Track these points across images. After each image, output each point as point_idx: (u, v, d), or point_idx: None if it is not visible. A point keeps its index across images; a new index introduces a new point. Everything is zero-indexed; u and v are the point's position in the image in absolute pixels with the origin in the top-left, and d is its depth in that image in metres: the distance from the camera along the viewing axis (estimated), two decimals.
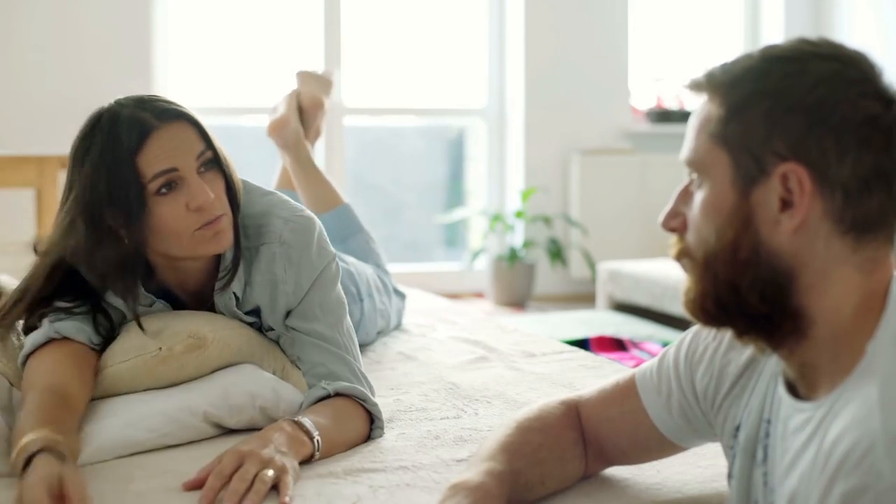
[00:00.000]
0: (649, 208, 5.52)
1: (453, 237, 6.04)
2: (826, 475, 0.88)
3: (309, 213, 1.63)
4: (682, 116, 5.77)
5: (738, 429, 1.11)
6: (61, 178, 3.84)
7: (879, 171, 0.92)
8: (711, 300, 0.98)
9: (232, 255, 1.56)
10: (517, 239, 5.57)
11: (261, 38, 5.37)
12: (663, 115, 5.76)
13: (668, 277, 4.21)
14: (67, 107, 4.83)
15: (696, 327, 1.22)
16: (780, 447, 1.00)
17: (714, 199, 0.96)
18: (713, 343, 1.18)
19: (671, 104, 5.79)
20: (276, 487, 1.25)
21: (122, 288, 1.49)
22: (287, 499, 1.23)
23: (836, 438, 0.88)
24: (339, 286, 1.64)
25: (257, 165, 4.51)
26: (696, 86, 1.00)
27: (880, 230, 0.94)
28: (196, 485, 1.27)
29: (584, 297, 5.47)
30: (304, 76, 2.66)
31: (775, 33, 5.90)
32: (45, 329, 1.49)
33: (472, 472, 1.16)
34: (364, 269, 2.23)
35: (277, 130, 2.50)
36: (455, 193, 6.00)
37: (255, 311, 1.62)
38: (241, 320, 1.61)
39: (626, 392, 1.27)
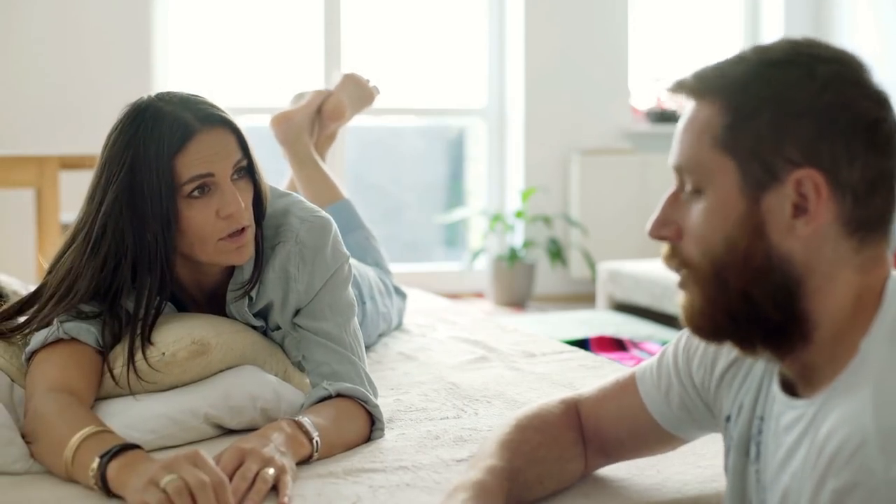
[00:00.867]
0: (649, 208, 5.51)
1: (453, 237, 6.04)
2: (818, 471, 0.88)
3: (325, 214, 1.64)
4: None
5: (728, 419, 1.11)
6: (61, 178, 3.84)
7: (884, 172, 0.93)
8: (722, 311, 0.96)
9: (251, 267, 1.56)
10: (517, 239, 5.57)
11: (261, 38, 5.37)
12: (663, 115, 5.76)
13: (668, 277, 4.20)
14: (67, 107, 4.83)
15: None
16: (772, 444, 1.00)
17: (721, 206, 0.95)
18: None
19: (671, 104, 5.79)
20: (274, 487, 1.26)
21: (136, 282, 1.48)
22: (286, 499, 1.23)
23: (827, 435, 0.88)
24: (350, 288, 1.64)
25: None
26: (683, 88, 0.99)
27: (881, 229, 0.94)
28: None
29: (584, 297, 5.47)
30: (350, 79, 2.59)
31: (775, 33, 5.90)
32: (54, 328, 1.49)
33: (473, 471, 1.16)
34: (366, 271, 2.23)
35: (279, 123, 2.48)
36: (455, 193, 6.00)
37: (264, 312, 1.62)
38: (248, 322, 1.61)
39: (625, 388, 1.28)
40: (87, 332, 1.49)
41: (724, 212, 0.94)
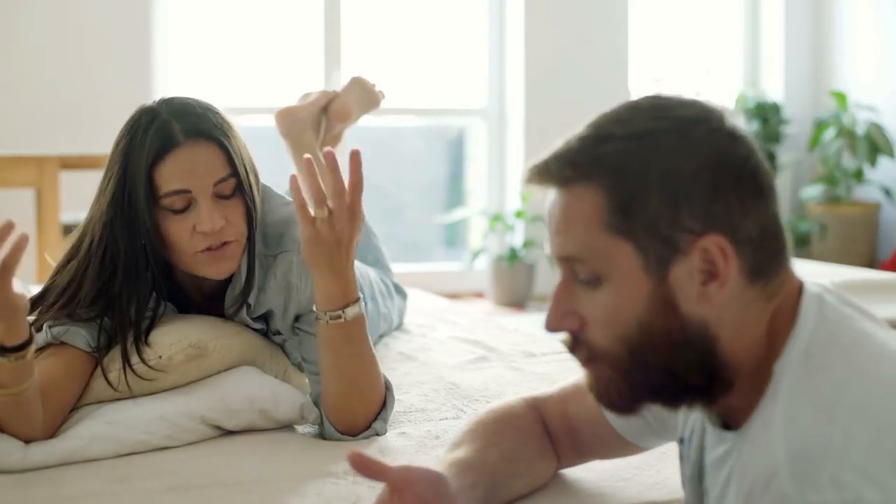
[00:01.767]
0: None
1: (453, 237, 6.04)
2: None
3: None
4: None
5: (681, 441, 1.09)
6: (61, 178, 3.84)
7: (772, 216, 0.91)
8: (644, 390, 0.93)
9: (244, 278, 1.55)
10: (517, 239, 5.57)
11: (261, 38, 5.37)
12: None
13: None
14: (67, 107, 4.83)
15: None
16: (710, 480, 0.99)
17: (626, 290, 0.90)
18: None
19: None
20: None
21: (130, 286, 1.48)
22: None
23: (745, 467, 0.87)
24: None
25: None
26: (548, 179, 0.93)
27: (780, 261, 0.93)
28: None
29: None
30: (356, 82, 2.60)
31: (775, 33, 5.91)
32: (43, 334, 1.48)
33: (440, 466, 1.16)
34: (367, 272, 2.23)
35: (283, 117, 2.48)
36: (455, 193, 6.00)
37: (264, 317, 1.62)
38: (248, 326, 1.61)
39: (584, 391, 1.27)
40: (77, 335, 1.48)
41: (632, 294, 0.90)
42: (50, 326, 1.48)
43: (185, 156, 1.44)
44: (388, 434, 1.55)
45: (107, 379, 1.48)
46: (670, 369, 0.91)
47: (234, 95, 5.24)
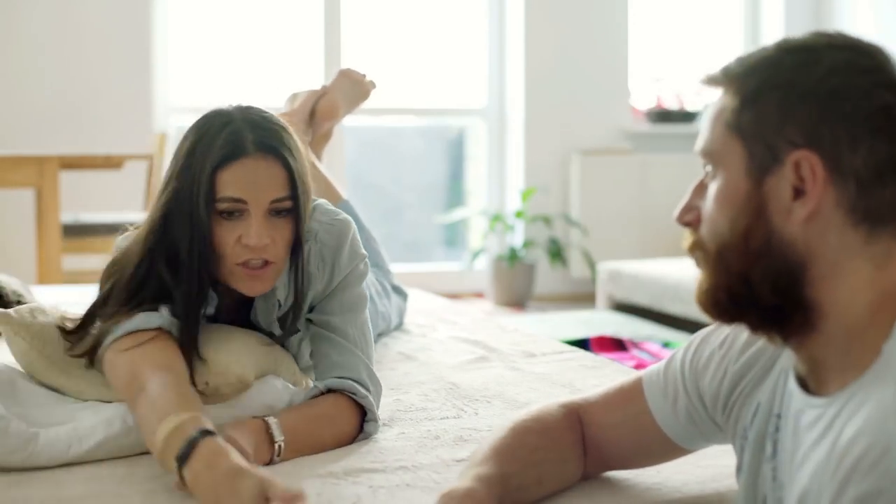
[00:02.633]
0: (649, 208, 5.52)
1: (453, 237, 6.05)
2: (839, 477, 0.87)
3: (345, 215, 1.65)
4: (682, 116, 5.77)
5: (746, 429, 1.10)
6: (61, 178, 3.84)
7: (893, 162, 0.92)
8: (724, 292, 0.98)
9: (286, 291, 1.56)
10: (517, 239, 5.57)
11: (261, 38, 5.37)
12: (663, 115, 5.76)
13: (668, 277, 4.21)
14: (67, 107, 4.84)
15: (704, 332, 1.21)
16: (790, 442, 1.00)
17: (728, 188, 0.96)
18: (720, 350, 1.17)
19: (671, 104, 5.79)
20: None
21: (189, 284, 1.48)
22: None
23: (850, 440, 0.87)
24: (363, 284, 1.65)
25: None
26: (712, 80, 1.01)
27: (894, 222, 0.93)
28: None
29: (584, 297, 5.47)
30: (344, 75, 2.58)
31: (775, 33, 5.91)
32: (138, 319, 1.47)
33: (463, 480, 1.15)
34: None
35: None
36: (455, 193, 6.00)
37: (283, 317, 1.62)
38: (271, 330, 1.61)
39: (631, 395, 1.26)
40: (171, 323, 1.48)
41: (731, 194, 0.96)
42: (144, 311, 1.48)
43: (250, 166, 1.45)
44: (388, 434, 1.55)
45: None
46: (747, 276, 0.96)
47: (234, 95, 5.24)
